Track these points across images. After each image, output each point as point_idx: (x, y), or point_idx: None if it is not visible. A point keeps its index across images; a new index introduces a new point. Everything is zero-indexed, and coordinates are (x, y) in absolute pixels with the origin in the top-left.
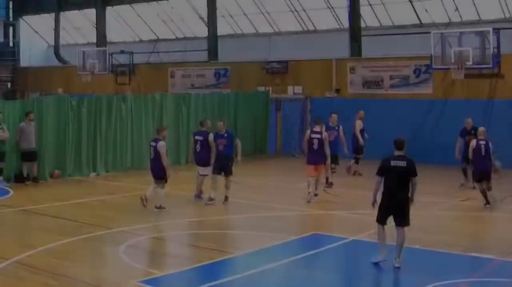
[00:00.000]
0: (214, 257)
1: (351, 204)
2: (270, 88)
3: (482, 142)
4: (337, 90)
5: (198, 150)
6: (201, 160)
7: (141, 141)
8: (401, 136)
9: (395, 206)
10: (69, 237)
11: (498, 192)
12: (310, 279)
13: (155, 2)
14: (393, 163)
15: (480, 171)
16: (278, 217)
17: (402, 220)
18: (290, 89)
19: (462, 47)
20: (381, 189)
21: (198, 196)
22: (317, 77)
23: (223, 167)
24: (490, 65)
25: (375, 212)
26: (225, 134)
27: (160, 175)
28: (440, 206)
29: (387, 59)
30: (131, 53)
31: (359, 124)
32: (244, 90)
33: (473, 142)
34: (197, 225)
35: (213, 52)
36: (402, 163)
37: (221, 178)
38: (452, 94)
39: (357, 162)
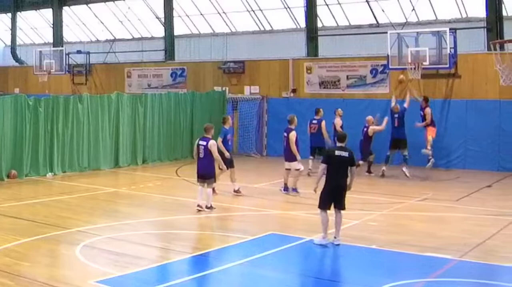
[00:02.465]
0: (171, 257)
1: (309, 204)
2: (227, 88)
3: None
4: (294, 90)
5: (284, 146)
6: (286, 155)
7: (98, 141)
8: (342, 131)
9: (336, 192)
10: (26, 237)
11: (455, 193)
12: (265, 279)
13: (111, 2)
14: (337, 152)
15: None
16: (236, 217)
17: (341, 205)
18: (246, 89)
19: (418, 47)
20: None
21: (285, 189)
22: (273, 77)
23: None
24: (447, 65)
25: (331, 212)
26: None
27: (210, 174)
28: (397, 206)
29: (344, 59)
30: (88, 53)
31: (338, 121)
32: (200, 90)
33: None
34: (154, 225)
35: (169, 52)
36: (345, 153)
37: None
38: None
39: None
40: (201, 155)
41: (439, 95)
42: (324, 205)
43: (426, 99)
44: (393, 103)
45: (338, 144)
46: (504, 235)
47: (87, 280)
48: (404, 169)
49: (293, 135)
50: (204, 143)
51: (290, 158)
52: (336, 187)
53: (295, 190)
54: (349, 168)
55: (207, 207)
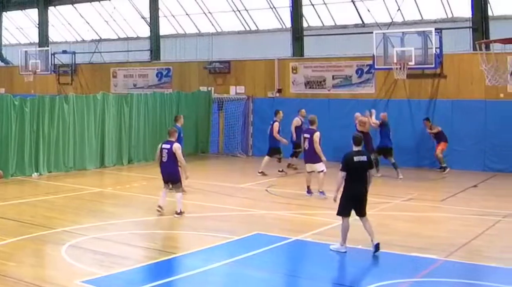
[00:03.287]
0: (156, 257)
1: (294, 204)
2: (212, 88)
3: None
4: (279, 90)
5: (306, 148)
6: (308, 156)
7: (84, 141)
8: (357, 133)
9: (358, 198)
10: (11, 237)
11: (441, 193)
12: (251, 279)
13: (97, 2)
14: (356, 158)
15: None
16: (221, 217)
17: (364, 210)
18: (232, 89)
19: (404, 47)
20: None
21: (308, 191)
22: (259, 77)
23: None
24: (432, 65)
25: (317, 212)
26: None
27: (175, 179)
28: (383, 206)
29: (330, 59)
30: (74, 53)
31: (297, 122)
32: (186, 90)
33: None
34: (140, 225)
35: (155, 52)
36: (364, 158)
37: None
38: (395, 94)
39: (296, 155)
40: (164, 159)
41: (424, 95)
42: (345, 212)
43: (428, 119)
44: (372, 117)
45: (355, 148)
46: (489, 235)
47: (73, 280)
48: (399, 173)
49: (317, 136)
50: (168, 146)
51: (314, 159)
52: (359, 193)
53: (322, 193)
54: (368, 171)
55: (176, 213)
